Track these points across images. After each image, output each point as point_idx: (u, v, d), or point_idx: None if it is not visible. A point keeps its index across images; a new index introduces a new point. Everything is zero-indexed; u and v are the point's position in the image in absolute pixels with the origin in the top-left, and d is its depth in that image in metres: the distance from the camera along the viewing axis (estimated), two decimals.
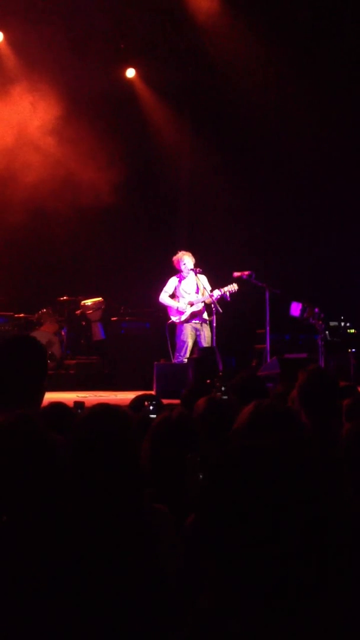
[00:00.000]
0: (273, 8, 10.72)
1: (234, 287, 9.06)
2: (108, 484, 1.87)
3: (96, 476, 1.88)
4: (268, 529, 1.13)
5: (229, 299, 9.04)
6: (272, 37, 10.84)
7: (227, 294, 9.02)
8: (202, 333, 9.28)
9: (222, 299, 9.02)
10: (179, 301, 9.34)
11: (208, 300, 9.14)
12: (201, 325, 9.29)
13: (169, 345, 9.46)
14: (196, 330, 9.29)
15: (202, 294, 9.22)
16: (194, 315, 9.28)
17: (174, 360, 9.19)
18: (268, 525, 1.13)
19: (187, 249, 9.55)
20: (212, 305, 9.08)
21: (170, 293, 9.34)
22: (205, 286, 9.24)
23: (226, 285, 9.09)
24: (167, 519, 2.04)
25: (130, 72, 12.39)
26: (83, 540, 1.81)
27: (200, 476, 2.11)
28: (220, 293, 9.01)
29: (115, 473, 1.88)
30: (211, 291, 9.07)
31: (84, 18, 10.96)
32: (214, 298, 9.03)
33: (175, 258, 9.36)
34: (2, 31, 11.06)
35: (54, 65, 11.12)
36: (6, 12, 10.73)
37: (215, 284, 9.29)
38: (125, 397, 8.64)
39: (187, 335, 9.24)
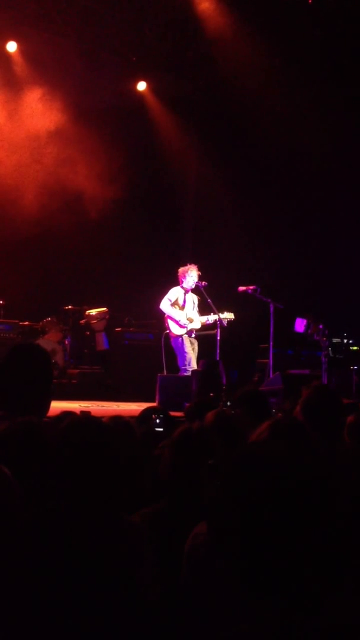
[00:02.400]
0: (283, 22, 10.81)
1: (231, 316, 9.16)
2: (80, 494, 1.91)
3: (69, 485, 1.92)
4: (280, 534, 1.17)
5: (225, 326, 9.13)
6: (282, 51, 10.93)
7: (225, 321, 9.12)
8: (195, 347, 9.35)
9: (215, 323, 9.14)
10: None
11: (204, 321, 9.24)
12: (195, 340, 9.36)
13: (164, 356, 9.47)
14: (192, 343, 9.34)
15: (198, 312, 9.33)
16: (191, 331, 9.33)
17: (180, 373, 9.18)
18: (280, 530, 1.17)
19: (192, 262, 9.58)
20: (217, 320, 9.14)
21: (172, 302, 9.35)
22: (196, 304, 9.34)
23: (223, 311, 9.16)
24: (141, 532, 2.06)
25: (142, 85, 12.48)
26: (58, 551, 1.86)
27: (217, 483, 2.15)
28: (215, 318, 9.09)
29: (86, 484, 1.93)
30: (203, 313, 9.22)
31: (97, 31, 11.06)
32: (208, 322, 9.14)
33: (182, 270, 9.36)
34: (16, 41, 11.15)
35: (65, 76, 11.22)
36: (20, 22, 10.84)
37: (219, 298, 9.33)
38: (127, 407, 8.66)
39: (189, 347, 9.28)
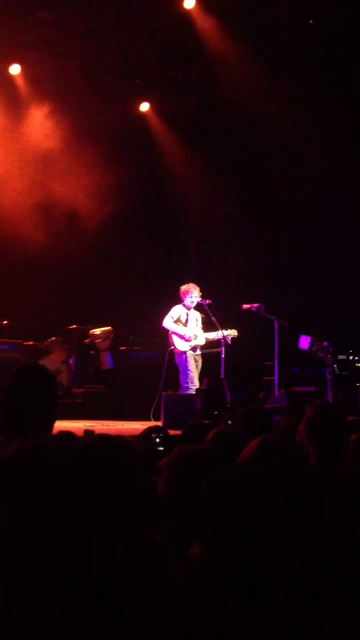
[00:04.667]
0: (284, 42, 10.89)
1: (234, 332, 9.16)
2: (104, 511, 1.90)
3: (93, 503, 1.91)
4: (271, 556, 1.16)
5: (229, 343, 9.15)
6: (284, 71, 11.00)
7: (229, 338, 9.13)
8: (199, 364, 9.32)
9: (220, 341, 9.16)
10: None
11: (211, 338, 9.24)
12: (199, 357, 9.35)
13: (164, 372, 9.43)
14: (196, 360, 9.33)
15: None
16: (196, 347, 9.32)
17: (183, 391, 9.15)
18: (270, 552, 1.16)
19: (196, 280, 9.60)
20: (221, 337, 9.14)
21: (175, 320, 9.34)
22: (199, 322, 9.34)
23: (227, 328, 9.17)
24: (165, 551, 2.04)
25: (145, 106, 12.57)
26: (80, 566, 1.84)
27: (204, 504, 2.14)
28: (219, 336, 9.11)
29: (111, 501, 1.91)
30: (208, 331, 9.23)
31: (99, 53, 11.17)
32: (216, 338, 9.14)
33: (184, 288, 9.38)
34: (20, 64, 11.27)
35: (68, 98, 11.32)
36: (23, 45, 10.95)
37: (224, 316, 9.32)
38: (132, 427, 8.64)
39: (193, 365, 9.26)
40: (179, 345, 9.26)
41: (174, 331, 9.28)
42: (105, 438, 2.09)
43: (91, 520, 1.91)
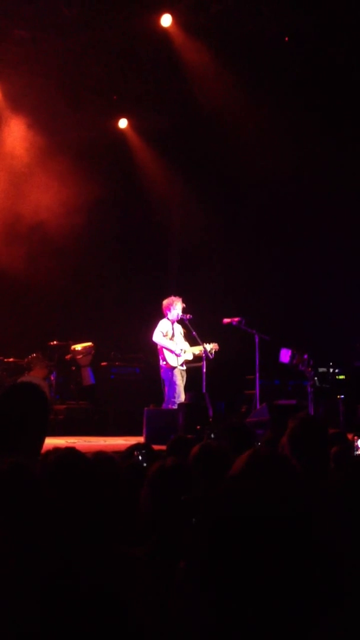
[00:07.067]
0: (260, 59, 11.02)
1: (215, 346, 9.19)
2: (76, 525, 1.91)
3: (56, 520, 1.92)
4: (261, 572, 1.16)
5: (211, 357, 9.17)
6: (261, 87, 11.13)
7: (213, 352, 9.16)
8: (184, 379, 9.34)
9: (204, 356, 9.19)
10: None
11: (197, 352, 9.26)
12: (184, 372, 9.36)
13: (166, 389, 9.39)
14: (182, 375, 9.33)
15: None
16: (183, 362, 9.33)
17: (170, 406, 9.12)
18: (261, 567, 1.16)
19: (177, 295, 9.61)
20: (203, 352, 9.15)
21: (164, 334, 9.32)
22: (182, 335, 9.36)
23: (208, 342, 9.19)
24: (135, 564, 2.05)
25: (123, 123, 12.63)
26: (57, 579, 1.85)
27: (193, 520, 2.16)
28: (201, 351, 9.13)
29: (72, 517, 1.92)
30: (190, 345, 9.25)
31: (77, 71, 11.21)
32: (201, 352, 9.16)
33: (167, 302, 9.38)
34: None
35: (47, 116, 11.33)
36: (1, 62, 10.96)
37: (204, 330, 9.34)
38: (114, 442, 8.60)
39: (180, 380, 9.26)
40: (171, 360, 9.24)
41: (165, 346, 9.25)
42: (72, 453, 2.10)
43: (67, 533, 1.92)
